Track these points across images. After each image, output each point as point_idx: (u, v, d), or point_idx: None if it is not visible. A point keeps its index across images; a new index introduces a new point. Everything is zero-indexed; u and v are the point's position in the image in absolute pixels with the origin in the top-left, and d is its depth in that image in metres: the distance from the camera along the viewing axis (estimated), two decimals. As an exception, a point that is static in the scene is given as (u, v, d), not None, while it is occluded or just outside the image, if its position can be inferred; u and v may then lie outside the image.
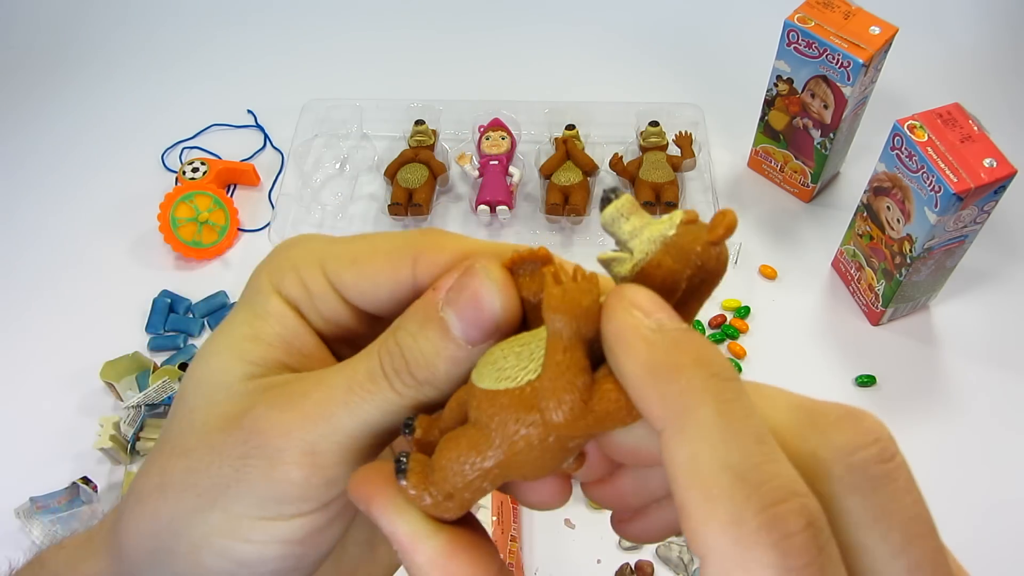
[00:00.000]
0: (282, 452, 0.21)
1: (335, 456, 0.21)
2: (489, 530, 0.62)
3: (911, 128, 0.64)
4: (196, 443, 0.22)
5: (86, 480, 0.66)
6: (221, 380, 0.23)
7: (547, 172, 0.82)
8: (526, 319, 0.21)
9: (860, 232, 0.75)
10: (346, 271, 0.23)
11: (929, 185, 0.63)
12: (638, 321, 0.18)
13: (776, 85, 0.78)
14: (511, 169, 0.83)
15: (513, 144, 0.84)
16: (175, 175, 0.89)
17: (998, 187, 0.62)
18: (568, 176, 0.81)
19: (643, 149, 0.83)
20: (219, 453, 0.21)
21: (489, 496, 0.64)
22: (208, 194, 0.81)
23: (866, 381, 0.73)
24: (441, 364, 0.21)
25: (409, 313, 0.22)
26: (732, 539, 0.15)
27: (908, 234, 0.67)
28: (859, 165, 0.86)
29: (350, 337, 0.25)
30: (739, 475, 0.16)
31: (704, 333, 0.76)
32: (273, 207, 0.85)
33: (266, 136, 0.93)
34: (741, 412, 0.17)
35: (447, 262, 0.22)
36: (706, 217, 0.19)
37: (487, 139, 0.84)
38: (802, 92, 0.76)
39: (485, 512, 0.63)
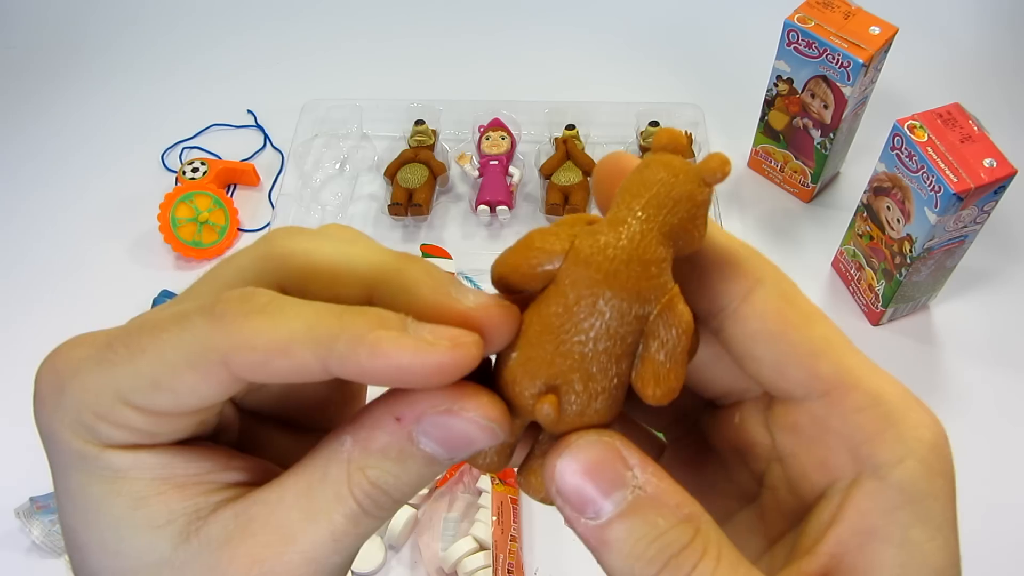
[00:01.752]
0: None
1: None
2: (489, 530, 0.62)
3: (911, 128, 0.64)
4: None
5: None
6: (152, 560, 0.19)
7: (547, 172, 0.82)
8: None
9: (860, 232, 0.75)
10: (156, 399, 0.19)
11: (929, 185, 0.63)
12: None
13: (776, 85, 0.78)
14: (511, 169, 0.83)
15: (513, 144, 0.84)
16: (175, 175, 0.89)
17: (998, 187, 0.62)
18: (568, 176, 0.81)
19: (643, 149, 0.83)
20: None
21: (489, 496, 0.64)
22: (208, 194, 0.81)
23: (866, 381, 0.73)
24: (428, 482, 0.20)
25: (374, 449, 0.20)
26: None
27: (908, 234, 0.67)
28: (859, 165, 0.86)
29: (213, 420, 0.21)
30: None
31: (704, 333, 0.76)
32: (273, 207, 0.85)
33: (266, 136, 0.93)
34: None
35: (264, 360, 0.18)
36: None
37: (487, 139, 0.84)
38: (802, 92, 0.76)
39: (485, 512, 0.63)
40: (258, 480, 0.20)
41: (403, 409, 0.19)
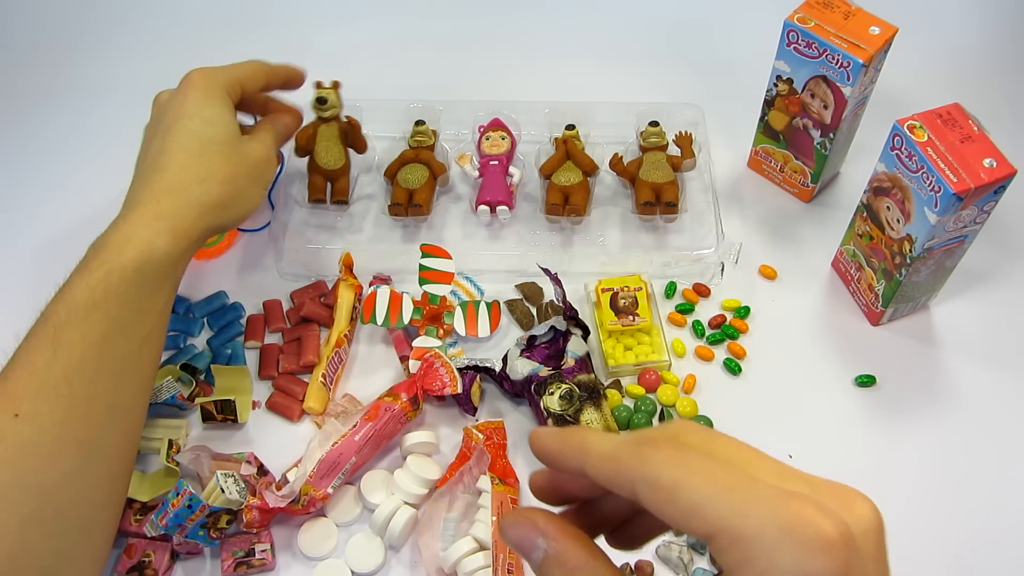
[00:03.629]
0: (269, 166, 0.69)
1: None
2: (489, 530, 0.62)
3: (911, 128, 0.64)
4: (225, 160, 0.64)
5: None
6: (223, 137, 0.64)
7: (547, 172, 0.82)
8: None
9: (860, 232, 0.75)
10: (248, 85, 0.69)
11: (929, 185, 0.63)
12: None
13: (776, 85, 0.78)
14: (511, 169, 0.83)
15: (513, 144, 0.84)
16: (175, 175, 0.89)
17: (998, 187, 0.62)
18: (568, 176, 0.81)
19: (643, 149, 0.83)
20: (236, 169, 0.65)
21: (489, 496, 0.64)
22: (208, 194, 0.81)
23: (866, 381, 0.73)
24: (289, 130, 0.74)
25: (279, 119, 0.74)
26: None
27: (908, 234, 0.67)
28: (859, 165, 0.86)
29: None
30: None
31: (704, 333, 0.77)
32: (273, 207, 0.85)
33: (266, 136, 0.93)
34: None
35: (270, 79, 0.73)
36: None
37: (487, 139, 0.84)
38: (802, 92, 0.76)
39: (485, 512, 0.63)
40: None
41: (279, 116, 0.76)
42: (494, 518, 0.62)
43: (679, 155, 0.82)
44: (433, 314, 0.75)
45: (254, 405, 0.73)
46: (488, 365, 0.72)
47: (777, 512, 0.24)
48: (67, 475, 0.49)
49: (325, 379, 0.72)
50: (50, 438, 0.48)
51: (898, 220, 0.68)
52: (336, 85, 0.81)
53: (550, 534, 0.28)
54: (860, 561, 0.24)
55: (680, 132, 0.83)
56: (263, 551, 0.64)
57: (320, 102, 0.79)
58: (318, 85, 0.80)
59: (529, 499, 0.68)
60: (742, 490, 0.25)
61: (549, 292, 0.80)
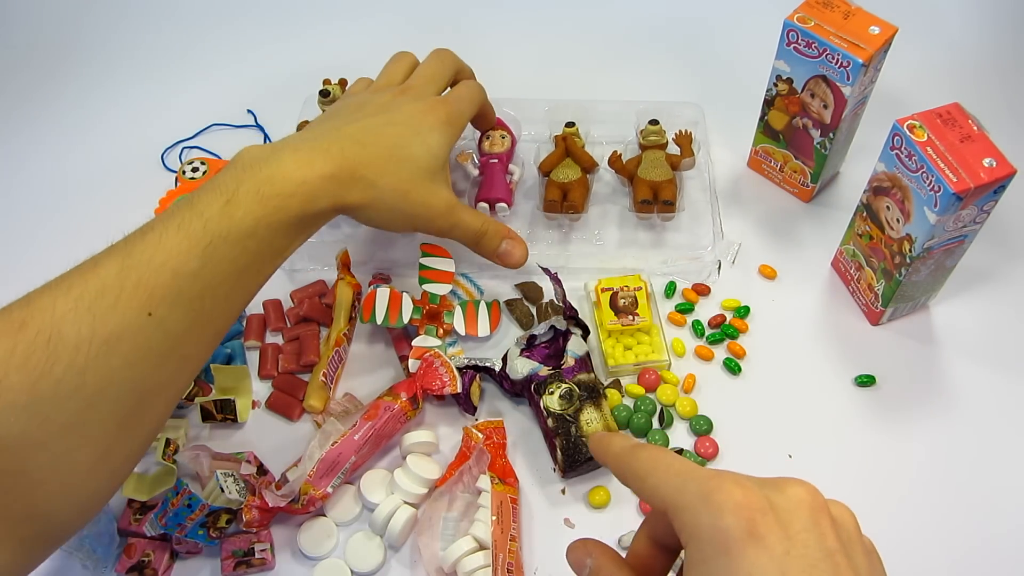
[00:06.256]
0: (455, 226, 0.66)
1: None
2: (488, 530, 0.62)
3: (911, 128, 0.64)
4: (412, 178, 0.61)
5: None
6: (437, 167, 0.62)
7: (546, 169, 0.82)
8: None
9: (860, 232, 0.75)
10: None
11: (929, 185, 0.63)
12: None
13: (776, 85, 0.78)
14: (511, 167, 0.83)
15: (513, 142, 0.84)
16: (175, 175, 0.89)
17: (998, 187, 0.62)
18: (567, 173, 0.81)
19: (642, 147, 0.83)
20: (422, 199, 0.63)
21: (488, 496, 0.64)
22: (208, 193, 0.81)
23: (865, 381, 0.73)
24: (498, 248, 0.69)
25: (493, 232, 0.68)
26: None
27: (908, 234, 0.67)
28: (859, 165, 0.86)
29: None
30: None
31: (704, 333, 0.77)
32: (273, 206, 0.85)
33: (266, 136, 0.93)
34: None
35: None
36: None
37: (487, 138, 0.84)
38: (802, 92, 0.76)
39: (485, 512, 0.63)
40: None
41: (505, 234, 0.71)
42: (494, 517, 0.62)
43: (678, 154, 0.82)
44: (433, 313, 0.75)
45: (254, 405, 0.73)
46: (488, 365, 0.72)
47: (702, 487, 0.31)
48: (163, 385, 0.50)
49: (326, 378, 0.72)
50: (165, 347, 0.48)
51: (898, 220, 0.68)
52: (343, 83, 0.82)
53: (594, 553, 0.37)
54: (780, 525, 0.30)
55: (680, 131, 0.83)
56: (263, 550, 0.64)
57: (323, 95, 0.81)
58: (326, 82, 0.82)
59: (528, 497, 0.68)
60: (684, 475, 0.32)
61: (549, 291, 0.79)
